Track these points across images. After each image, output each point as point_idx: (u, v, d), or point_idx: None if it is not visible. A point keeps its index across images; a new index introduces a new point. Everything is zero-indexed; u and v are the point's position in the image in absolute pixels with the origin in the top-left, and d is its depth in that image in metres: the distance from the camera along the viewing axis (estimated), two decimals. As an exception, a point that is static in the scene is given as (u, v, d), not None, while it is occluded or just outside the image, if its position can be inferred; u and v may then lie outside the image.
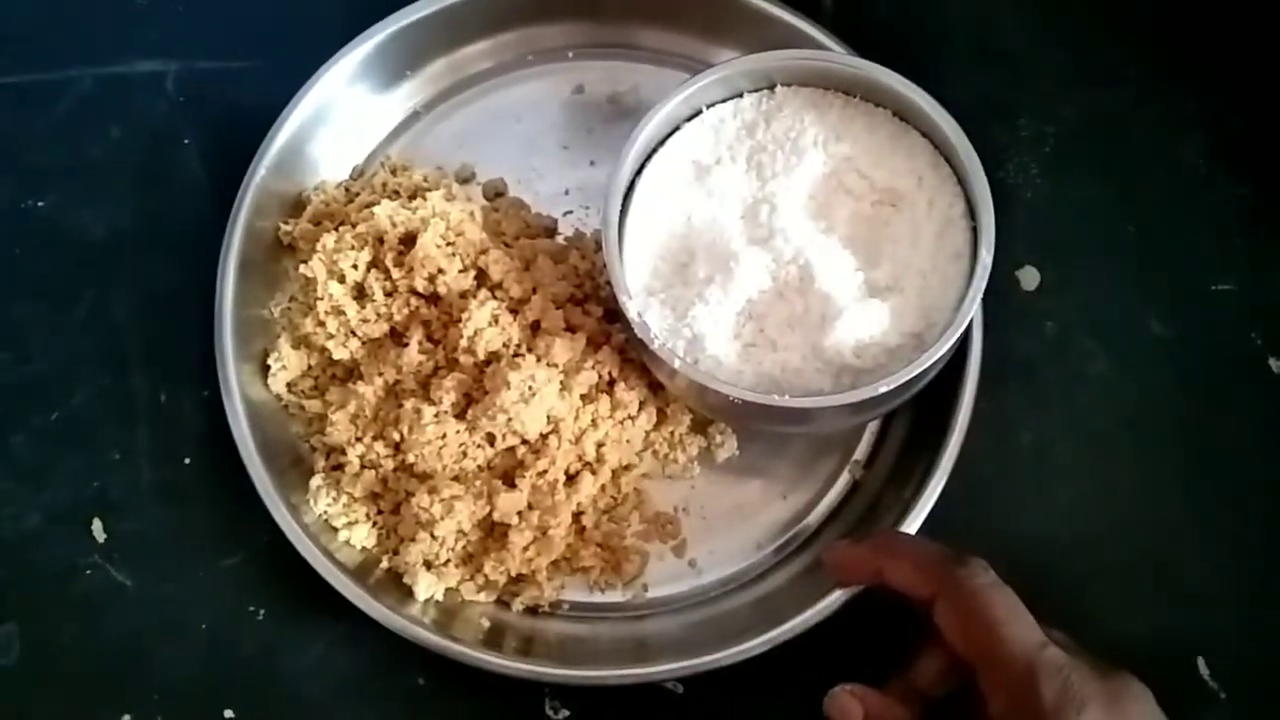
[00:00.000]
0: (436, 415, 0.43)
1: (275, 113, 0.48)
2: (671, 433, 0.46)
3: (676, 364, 0.41)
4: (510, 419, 0.42)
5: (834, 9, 0.51)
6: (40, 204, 0.51)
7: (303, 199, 0.49)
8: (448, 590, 0.45)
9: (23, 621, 0.46)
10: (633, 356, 0.45)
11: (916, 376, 0.40)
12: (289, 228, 0.48)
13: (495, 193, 0.51)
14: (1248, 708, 0.44)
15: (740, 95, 0.45)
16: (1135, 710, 0.36)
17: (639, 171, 0.44)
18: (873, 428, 0.48)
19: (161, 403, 0.48)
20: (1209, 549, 0.46)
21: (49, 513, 0.47)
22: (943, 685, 0.39)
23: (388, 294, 0.46)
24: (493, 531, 0.45)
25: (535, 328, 0.45)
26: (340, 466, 0.45)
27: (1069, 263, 0.49)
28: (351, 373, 0.47)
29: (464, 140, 0.51)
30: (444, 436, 0.43)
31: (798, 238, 0.42)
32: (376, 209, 0.46)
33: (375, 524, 0.45)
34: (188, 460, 0.47)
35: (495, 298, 0.45)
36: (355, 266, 0.45)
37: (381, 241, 0.46)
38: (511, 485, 0.44)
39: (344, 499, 0.45)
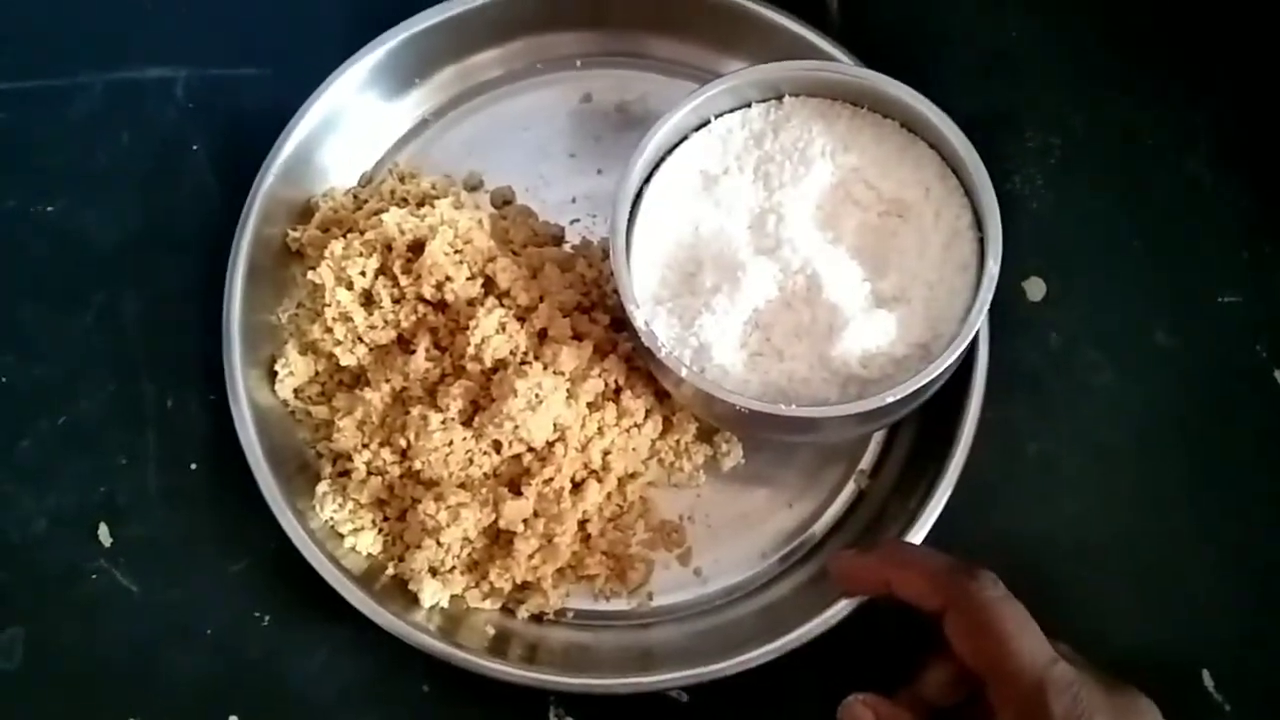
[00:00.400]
0: (443, 422, 0.43)
1: (284, 119, 0.48)
2: (677, 441, 0.46)
3: (683, 373, 0.41)
4: (517, 426, 0.43)
5: (841, 19, 0.51)
6: (50, 209, 0.51)
7: (311, 205, 0.49)
8: (453, 597, 0.45)
9: (27, 625, 0.46)
10: (639, 365, 0.45)
11: (923, 387, 0.40)
12: (297, 234, 0.48)
13: (503, 200, 0.51)
14: (1253, 720, 0.44)
15: (748, 105, 0.45)
16: (1142, 724, 0.36)
17: (646, 180, 0.44)
18: (878, 437, 0.48)
19: (168, 408, 0.48)
20: (1214, 561, 0.46)
21: (55, 517, 0.47)
22: (951, 696, 0.39)
23: (395, 301, 0.46)
24: (498, 539, 0.45)
25: (542, 335, 0.45)
26: (347, 473, 0.46)
27: (1075, 273, 0.49)
28: (359, 379, 0.47)
29: (472, 148, 0.51)
30: (450, 443, 0.43)
31: (805, 248, 0.42)
32: (385, 216, 0.46)
33: (381, 530, 0.45)
34: (194, 465, 0.48)
35: (503, 305, 0.45)
36: (363, 273, 0.46)
37: (389, 248, 0.46)
38: (517, 493, 0.44)
39: (350, 505, 0.45)
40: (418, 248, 0.45)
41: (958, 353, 0.40)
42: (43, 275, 0.50)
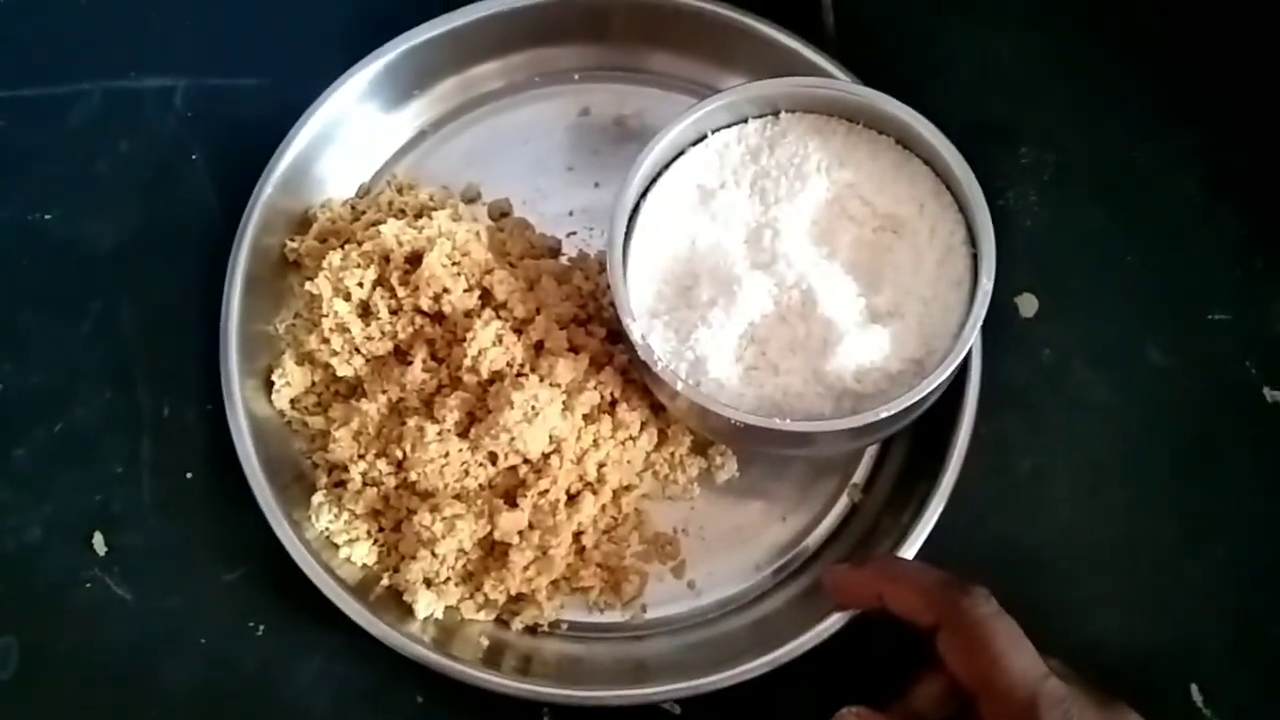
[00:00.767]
0: (439, 433, 0.44)
1: (283, 129, 0.48)
2: (672, 454, 0.47)
3: (679, 386, 0.41)
4: (513, 438, 0.43)
5: (837, 35, 0.52)
6: (47, 217, 0.51)
7: (309, 216, 0.50)
8: (447, 608, 0.45)
9: (22, 634, 0.46)
10: (635, 378, 0.46)
11: (917, 402, 0.40)
12: (295, 244, 0.49)
13: (500, 213, 0.51)
14: (1241, 735, 0.44)
15: (745, 121, 0.45)
16: (1132, 740, 0.36)
17: (644, 194, 0.45)
18: (872, 451, 0.48)
19: (165, 417, 0.48)
20: (1203, 576, 0.46)
21: (50, 525, 0.47)
22: (942, 709, 0.39)
23: (392, 312, 0.46)
24: (493, 550, 0.45)
25: (539, 348, 0.45)
26: (342, 483, 0.46)
27: (1068, 290, 0.49)
28: (355, 390, 0.47)
29: (470, 160, 0.51)
30: (446, 455, 0.44)
31: (800, 263, 0.43)
32: (383, 227, 0.46)
33: (376, 541, 0.45)
34: (190, 475, 0.48)
35: (499, 317, 0.45)
36: (360, 284, 0.46)
37: (387, 260, 0.46)
38: (513, 504, 0.44)
39: (345, 516, 0.45)
40: (415, 259, 0.46)
41: (951, 368, 0.40)
42: (40, 283, 0.50)
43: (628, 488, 0.46)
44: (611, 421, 0.45)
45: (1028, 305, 0.49)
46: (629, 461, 0.46)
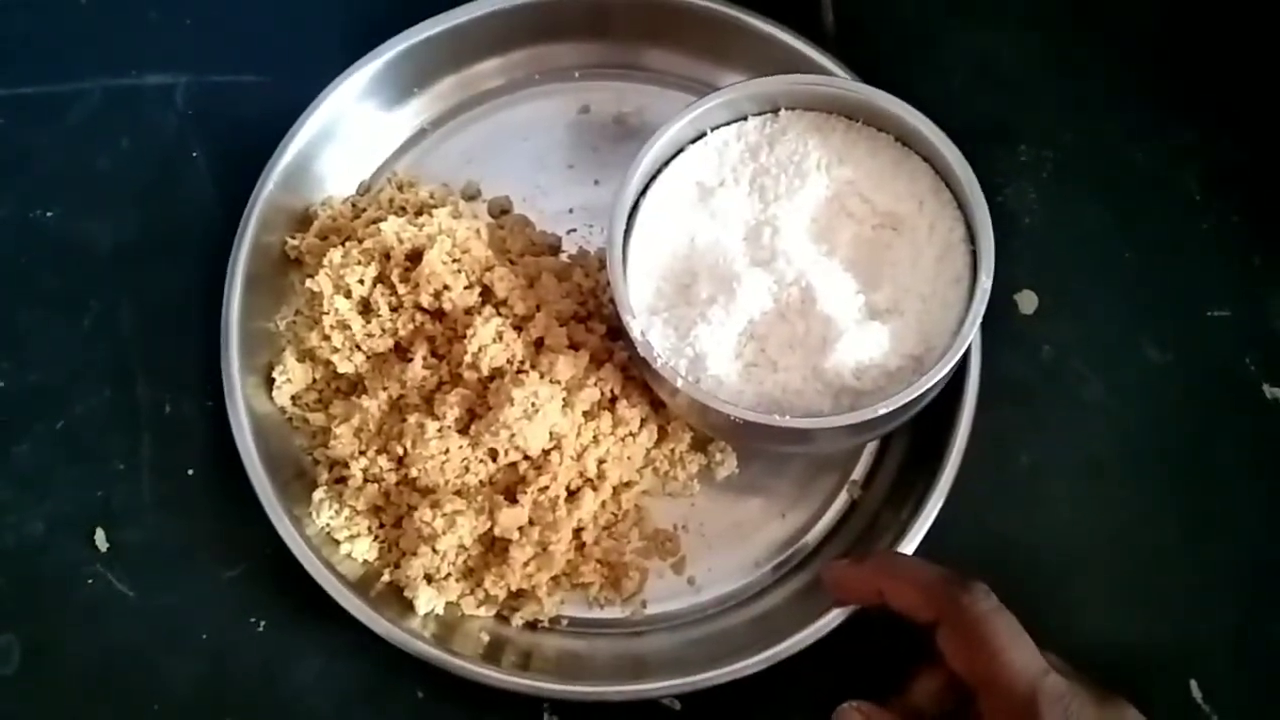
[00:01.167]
0: (440, 430, 0.44)
1: (284, 127, 0.48)
2: (672, 450, 0.47)
3: (678, 382, 0.41)
4: (513, 435, 0.43)
5: (836, 33, 0.52)
6: (48, 214, 0.51)
7: (310, 214, 0.50)
8: (448, 604, 0.45)
9: (23, 630, 0.46)
10: (635, 374, 0.46)
11: (916, 399, 0.40)
12: (296, 242, 0.49)
13: (500, 210, 0.51)
14: (1240, 731, 0.44)
15: (744, 118, 0.46)
16: (1131, 736, 0.36)
17: (643, 192, 0.45)
18: (871, 448, 0.48)
19: (166, 414, 0.48)
20: (1202, 572, 0.46)
21: (51, 522, 0.47)
22: (941, 704, 0.39)
23: (393, 309, 0.46)
24: (494, 546, 0.45)
25: (539, 344, 0.45)
26: (343, 480, 0.46)
27: (1066, 287, 0.49)
28: (356, 387, 0.47)
29: (470, 157, 0.52)
30: (447, 451, 0.44)
31: (799, 260, 0.43)
32: (383, 225, 0.46)
33: (377, 537, 0.46)
34: (191, 471, 0.48)
35: (500, 314, 0.45)
36: (361, 281, 0.46)
37: (388, 257, 0.46)
38: (513, 501, 0.44)
39: (346, 512, 0.45)
40: (416, 256, 0.46)
41: (950, 365, 0.40)
42: (40, 280, 0.50)
43: (628, 484, 0.46)
44: (611, 418, 0.45)
45: (1027, 302, 0.49)
46: (629, 458, 0.46)
